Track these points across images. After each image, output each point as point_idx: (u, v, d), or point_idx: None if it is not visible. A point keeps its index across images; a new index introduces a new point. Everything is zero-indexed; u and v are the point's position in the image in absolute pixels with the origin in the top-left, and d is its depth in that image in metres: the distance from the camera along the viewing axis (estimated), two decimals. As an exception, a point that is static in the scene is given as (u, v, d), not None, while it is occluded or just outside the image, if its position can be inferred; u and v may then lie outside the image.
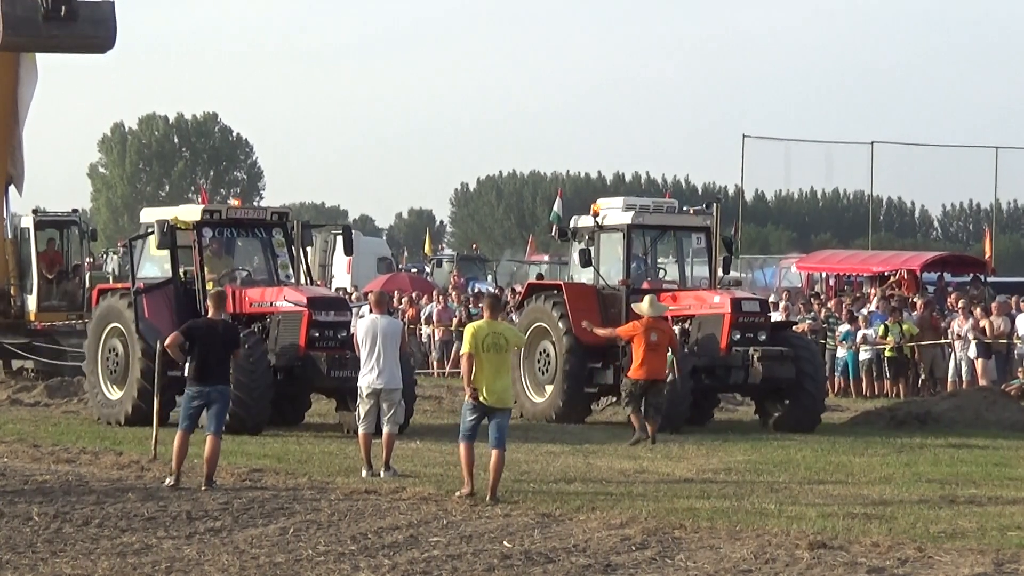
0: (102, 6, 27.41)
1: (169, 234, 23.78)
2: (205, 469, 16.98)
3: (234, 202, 25.98)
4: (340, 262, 52.85)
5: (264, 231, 25.11)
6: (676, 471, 19.20)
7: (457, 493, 16.19)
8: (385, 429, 18.32)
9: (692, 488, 17.44)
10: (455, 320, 38.78)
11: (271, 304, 23.77)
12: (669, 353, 22.73)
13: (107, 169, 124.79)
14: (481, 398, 16.35)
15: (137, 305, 23.78)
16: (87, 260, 33.61)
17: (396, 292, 43.40)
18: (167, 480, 16.96)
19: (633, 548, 13.40)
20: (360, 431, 18.49)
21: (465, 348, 16.57)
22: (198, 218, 24.29)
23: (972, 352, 30.89)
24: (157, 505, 15.62)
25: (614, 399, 26.39)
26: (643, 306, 22.80)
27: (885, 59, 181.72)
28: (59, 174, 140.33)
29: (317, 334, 23.06)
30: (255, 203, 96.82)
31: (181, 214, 24.59)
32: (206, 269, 24.17)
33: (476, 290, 44.76)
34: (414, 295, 42.74)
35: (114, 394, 24.47)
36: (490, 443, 16.33)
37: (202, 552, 13.23)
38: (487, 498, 15.99)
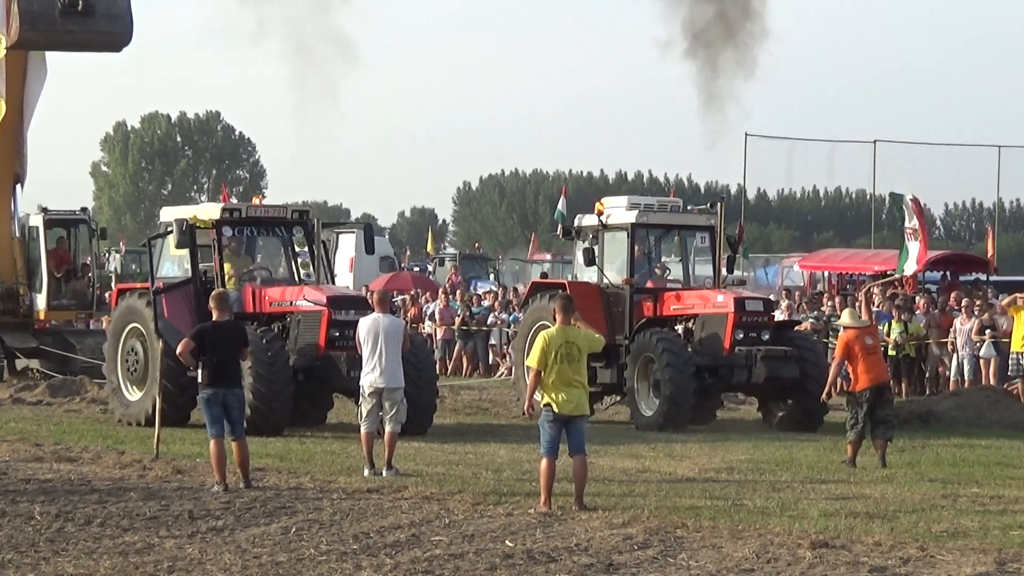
0: (118, 1, 27.37)
1: (188, 233, 23.65)
2: (240, 472, 16.98)
3: (255, 200, 25.80)
4: (342, 261, 52.71)
5: (284, 229, 24.99)
6: (678, 470, 19.20)
7: (531, 509, 15.36)
8: (387, 428, 18.32)
9: (694, 487, 17.44)
10: (457, 319, 38.79)
11: (291, 303, 23.61)
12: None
13: (109, 168, 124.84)
14: (555, 409, 15.46)
15: (156, 305, 23.48)
16: (88, 259, 33.42)
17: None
18: (215, 488, 16.63)
19: (635, 547, 13.38)
20: (362, 430, 18.50)
21: (532, 362, 15.56)
22: (218, 216, 24.06)
23: (977, 351, 30.85)
24: (159, 504, 15.63)
25: (617, 398, 26.37)
26: (845, 319, 21.27)
27: (888, 58, 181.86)
28: (62, 173, 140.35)
29: (337, 333, 22.88)
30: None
31: (200, 213, 24.45)
32: (226, 268, 24.02)
33: (476, 289, 44.61)
34: (416, 291, 42.70)
35: (134, 395, 24.34)
36: (570, 450, 15.64)
37: (204, 551, 13.22)
38: (574, 507, 15.40)
